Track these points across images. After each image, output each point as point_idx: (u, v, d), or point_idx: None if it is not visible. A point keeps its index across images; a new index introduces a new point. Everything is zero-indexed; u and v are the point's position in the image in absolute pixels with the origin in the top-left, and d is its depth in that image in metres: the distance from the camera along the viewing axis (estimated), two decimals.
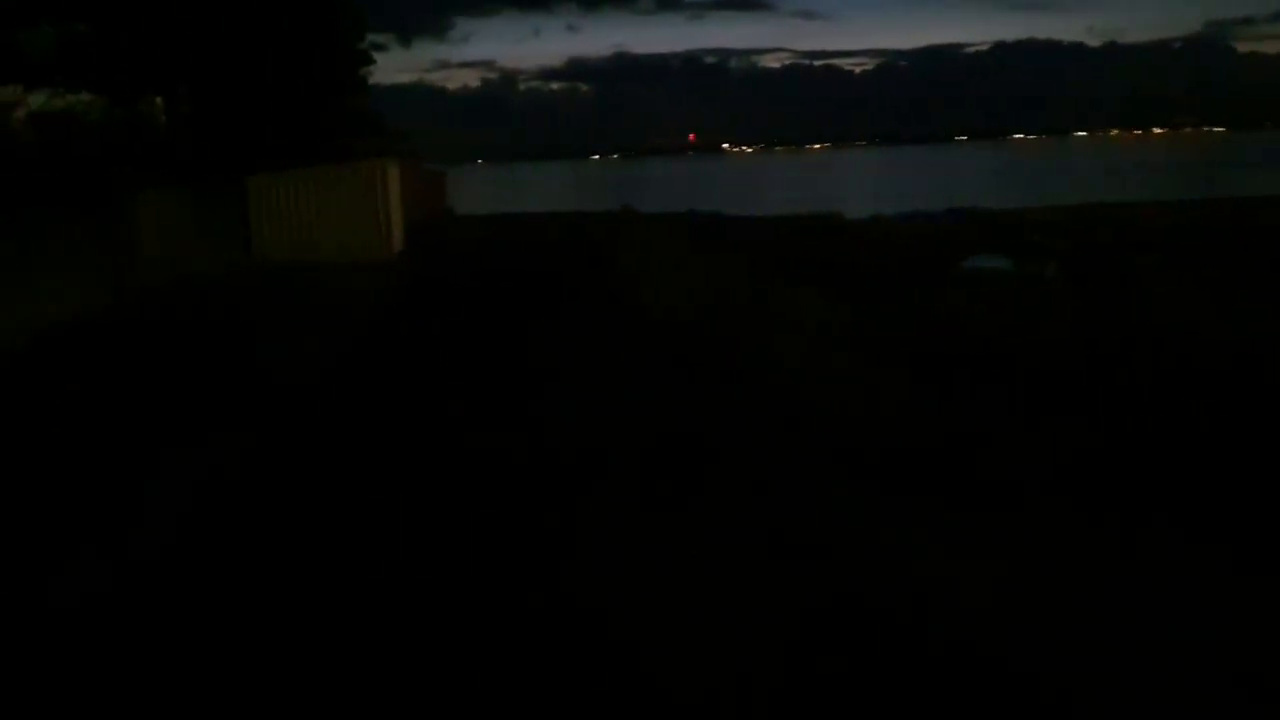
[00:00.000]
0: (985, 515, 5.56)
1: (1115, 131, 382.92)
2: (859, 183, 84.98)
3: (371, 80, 28.34)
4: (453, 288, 16.27)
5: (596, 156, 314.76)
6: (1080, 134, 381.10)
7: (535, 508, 5.83)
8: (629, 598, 4.54)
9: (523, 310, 13.38)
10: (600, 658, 3.98)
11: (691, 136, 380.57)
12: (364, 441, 7.55)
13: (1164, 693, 3.64)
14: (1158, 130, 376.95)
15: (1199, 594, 4.59)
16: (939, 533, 5.34)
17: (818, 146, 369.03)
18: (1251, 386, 7.89)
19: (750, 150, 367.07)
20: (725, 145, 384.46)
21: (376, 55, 27.23)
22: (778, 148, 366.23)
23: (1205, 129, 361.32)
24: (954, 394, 8.36)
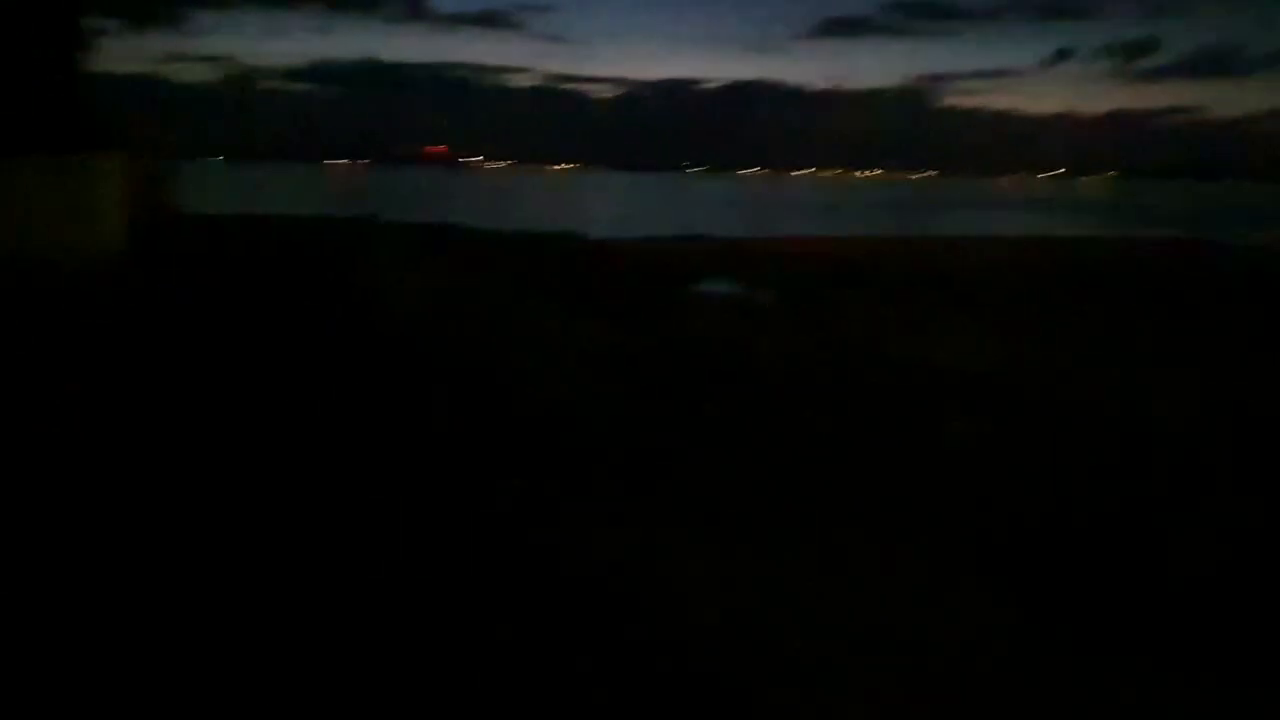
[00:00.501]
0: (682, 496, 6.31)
1: (835, 171, 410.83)
2: (601, 205, 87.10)
3: (97, 68, 26.50)
4: (174, 296, 15.59)
5: (343, 161, 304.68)
6: (803, 171, 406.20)
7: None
8: None
9: (247, 319, 13.12)
10: None
11: (442, 148, 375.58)
12: None
13: None
14: (872, 172, 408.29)
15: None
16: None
17: (562, 167, 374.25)
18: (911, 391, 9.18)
19: (497, 166, 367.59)
20: (472, 158, 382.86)
21: (102, 41, 25.47)
22: (524, 165, 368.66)
23: (913, 173, 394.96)
24: (678, 403, 9.17)
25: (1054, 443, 8.22)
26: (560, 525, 5.99)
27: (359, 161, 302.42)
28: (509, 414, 8.56)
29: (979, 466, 7.50)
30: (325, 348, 11.17)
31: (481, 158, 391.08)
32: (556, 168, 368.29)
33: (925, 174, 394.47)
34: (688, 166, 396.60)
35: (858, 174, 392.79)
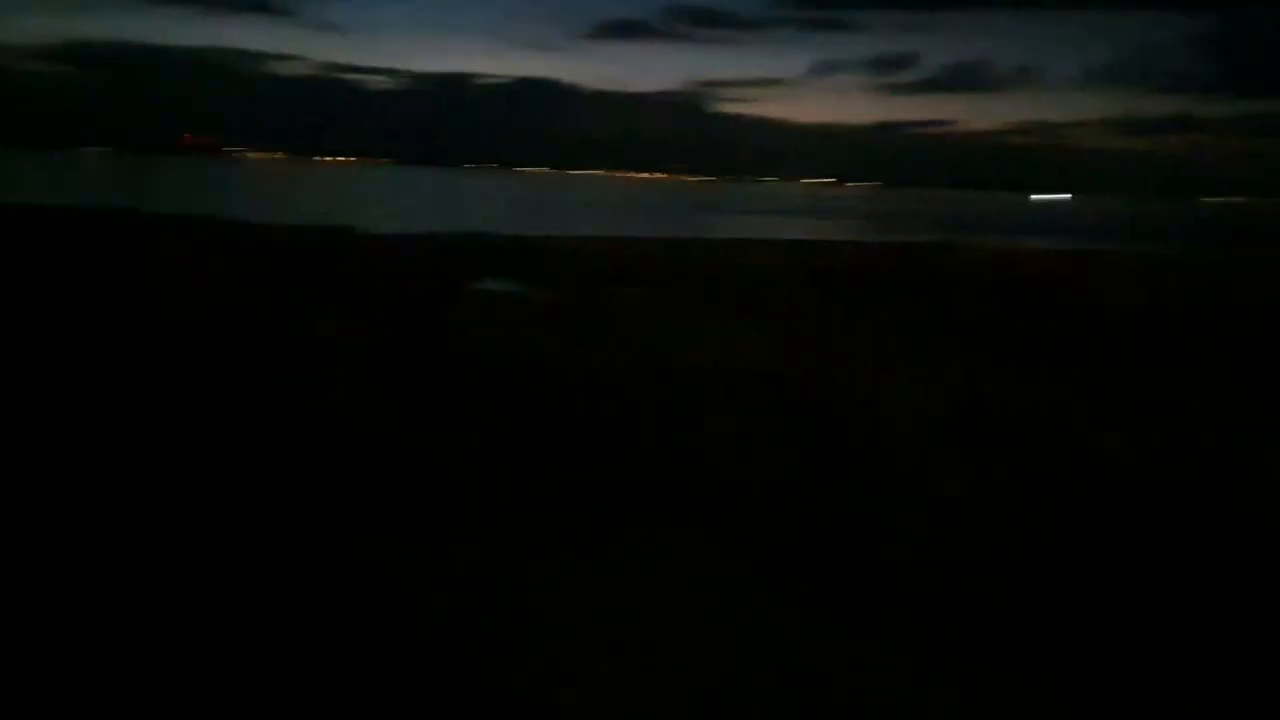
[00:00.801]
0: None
1: (615, 172, 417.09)
2: (377, 199, 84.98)
3: None
4: None
5: (99, 149, 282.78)
6: (583, 171, 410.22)
7: None
8: None
9: None
10: None
11: (208, 138, 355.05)
12: None
13: None
14: (651, 174, 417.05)
15: None
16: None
17: (337, 160, 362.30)
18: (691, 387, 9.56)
19: (267, 157, 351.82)
20: (240, 148, 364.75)
21: None
22: (296, 157, 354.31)
23: (690, 176, 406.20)
24: (448, 408, 9.17)
25: (810, 431, 8.75)
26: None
27: (116, 149, 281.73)
28: (244, 425, 8.28)
29: (740, 455, 7.90)
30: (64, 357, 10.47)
31: (248, 148, 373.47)
32: (331, 160, 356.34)
33: (701, 177, 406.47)
34: (469, 162, 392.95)
35: (638, 175, 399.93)
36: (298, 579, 5.20)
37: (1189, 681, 4.67)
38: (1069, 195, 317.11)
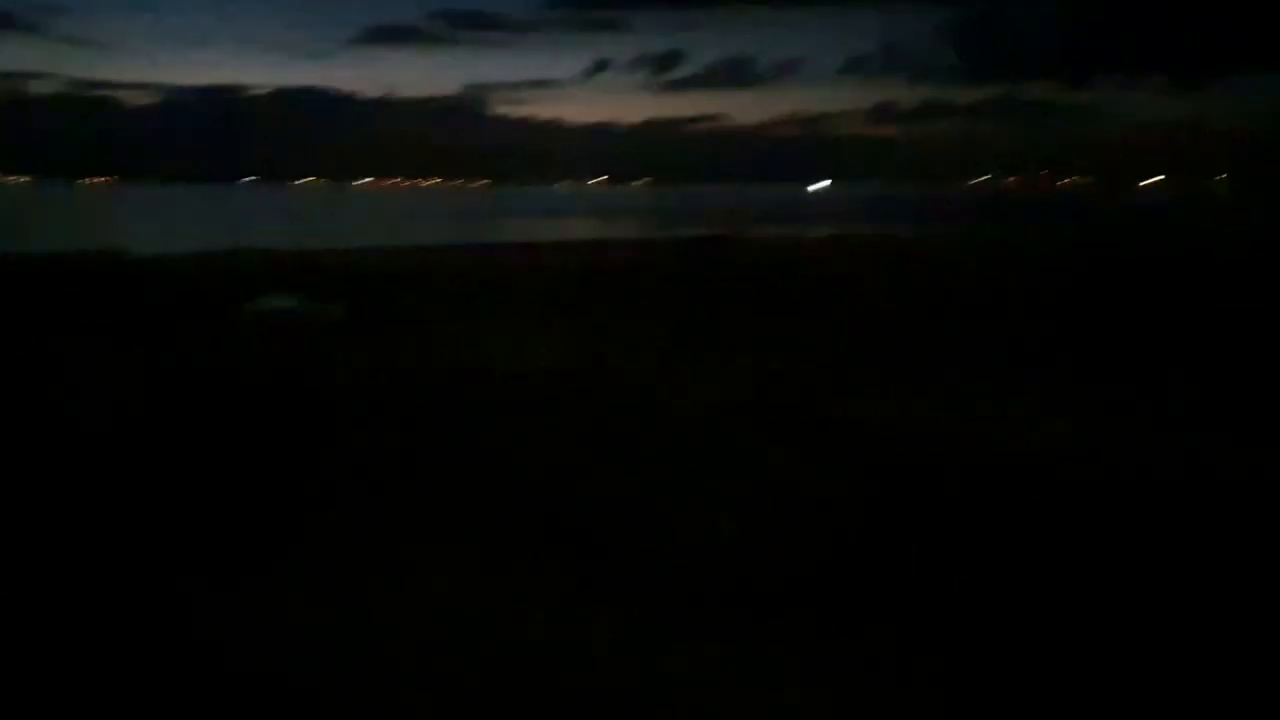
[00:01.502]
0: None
1: (394, 180, 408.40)
2: (144, 219, 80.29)
3: None
4: None
5: None
6: (362, 181, 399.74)
7: None
8: None
9: None
10: None
11: None
12: None
13: None
14: (429, 180, 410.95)
15: None
16: None
17: (95, 181, 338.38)
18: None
19: (14, 180, 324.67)
20: None
21: None
22: (47, 180, 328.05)
23: (469, 181, 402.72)
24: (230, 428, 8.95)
25: (598, 424, 9.05)
26: None
27: None
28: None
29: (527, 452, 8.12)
30: None
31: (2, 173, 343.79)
32: (88, 181, 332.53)
33: (480, 182, 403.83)
34: (239, 177, 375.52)
35: (418, 183, 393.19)
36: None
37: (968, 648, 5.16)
38: (836, 183, 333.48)
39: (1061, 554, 6.06)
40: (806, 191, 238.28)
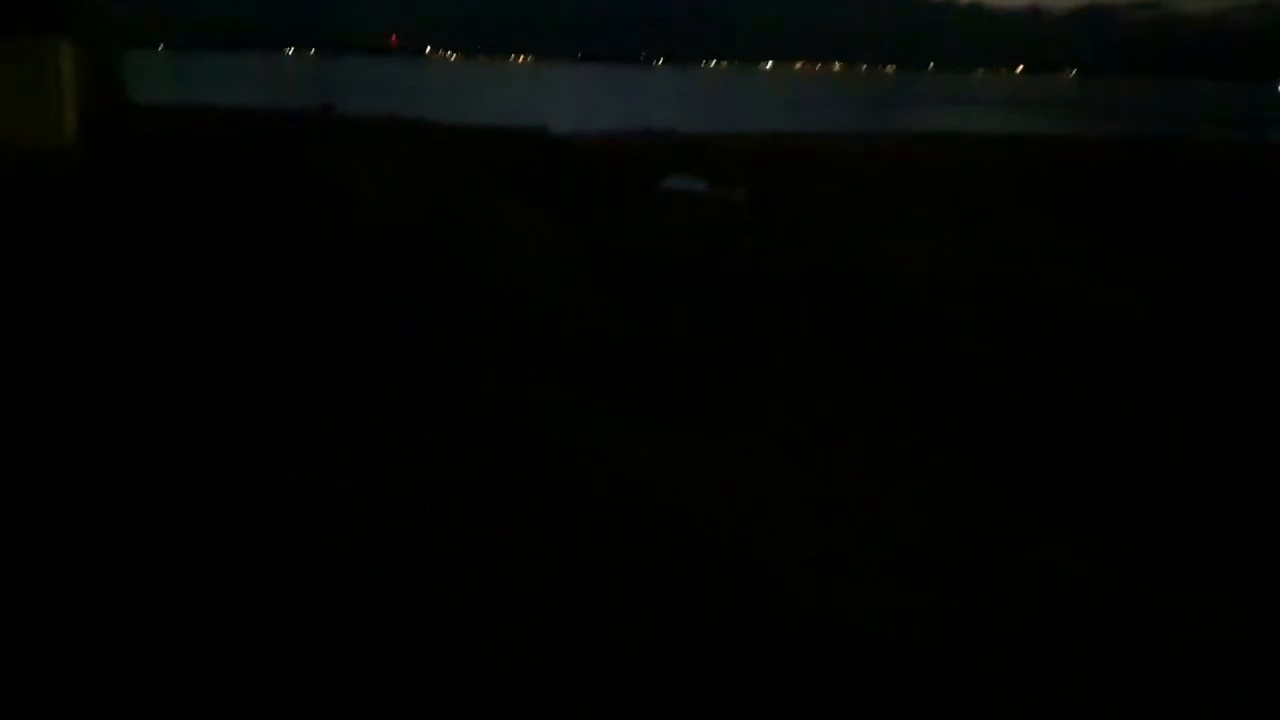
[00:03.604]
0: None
1: (800, 64, 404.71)
2: (561, 98, 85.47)
3: None
4: (134, 198, 15.03)
5: (291, 50, 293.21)
6: (772, 64, 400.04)
7: None
8: None
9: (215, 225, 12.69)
10: None
11: (394, 37, 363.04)
12: None
13: None
14: (846, 66, 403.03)
15: None
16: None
17: (522, 59, 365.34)
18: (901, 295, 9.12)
19: (454, 57, 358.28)
20: (428, 49, 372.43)
21: None
22: (487, 57, 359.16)
23: (881, 67, 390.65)
24: (656, 309, 9.04)
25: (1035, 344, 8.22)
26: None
27: (311, 51, 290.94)
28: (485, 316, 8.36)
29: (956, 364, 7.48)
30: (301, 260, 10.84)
31: (439, 49, 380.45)
32: (518, 59, 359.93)
33: (889, 68, 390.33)
34: (652, 59, 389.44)
35: (830, 67, 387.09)
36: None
37: None
38: None
39: None
40: (1278, 91, 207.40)
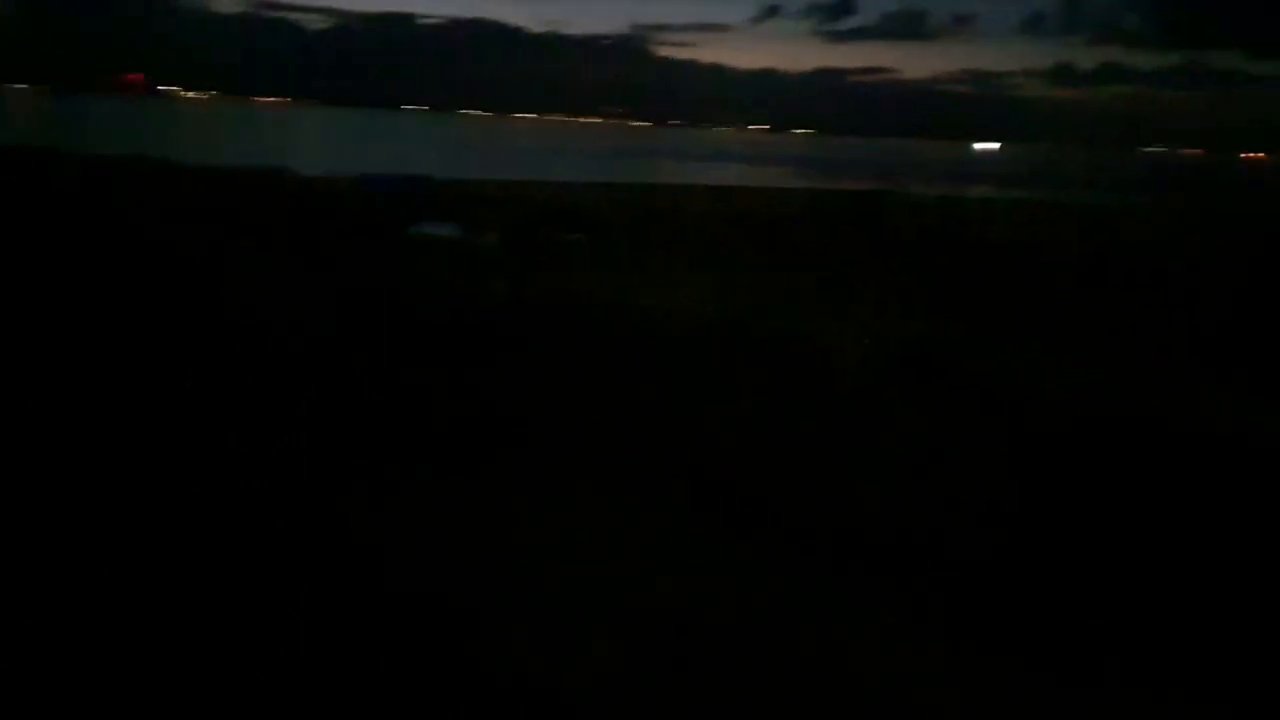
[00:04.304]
0: None
1: (554, 116, 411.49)
2: (313, 140, 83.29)
3: None
4: None
5: (19, 86, 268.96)
6: (524, 115, 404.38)
7: None
8: None
9: None
10: None
11: (137, 76, 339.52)
12: None
13: None
14: (594, 119, 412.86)
15: None
16: None
17: (270, 100, 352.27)
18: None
19: (201, 97, 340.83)
20: (170, 87, 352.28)
21: None
22: (227, 98, 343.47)
23: (633, 121, 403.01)
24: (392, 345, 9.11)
25: (759, 375, 8.85)
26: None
27: (38, 87, 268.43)
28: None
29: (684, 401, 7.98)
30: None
31: (181, 87, 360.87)
32: (264, 100, 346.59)
33: (644, 123, 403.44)
34: (407, 104, 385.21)
35: (579, 120, 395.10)
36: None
37: None
38: (1006, 144, 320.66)
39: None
40: (982, 150, 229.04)
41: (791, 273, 15.94)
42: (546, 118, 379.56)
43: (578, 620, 4.45)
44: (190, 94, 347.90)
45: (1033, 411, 8.13)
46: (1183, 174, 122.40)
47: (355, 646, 3.99)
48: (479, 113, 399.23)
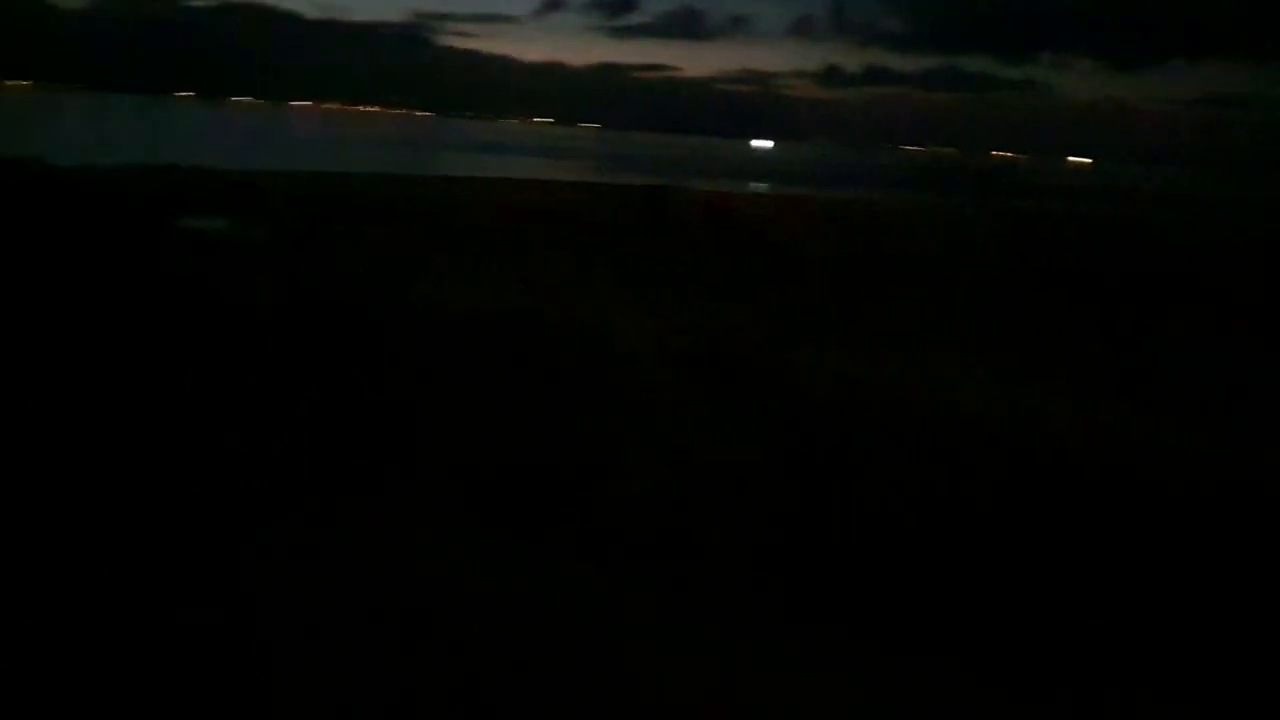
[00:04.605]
0: None
1: (338, 104, 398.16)
2: (71, 128, 77.42)
3: None
4: None
5: None
6: (303, 103, 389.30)
7: None
8: None
9: None
10: None
11: None
12: None
13: None
14: (377, 108, 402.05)
15: None
16: None
17: (19, 84, 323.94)
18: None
19: None
20: None
21: None
22: None
23: (417, 111, 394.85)
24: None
25: (547, 367, 8.92)
26: None
27: None
28: None
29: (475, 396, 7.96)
30: None
31: None
32: (13, 85, 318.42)
33: (428, 113, 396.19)
34: (178, 91, 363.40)
35: (361, 109, 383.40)
36: None
37: None
38: (780, 142, 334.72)
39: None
40: (751, 148, 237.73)
41: (579, 267, 16.11)
42: (324, 107, 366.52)
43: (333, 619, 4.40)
44: None
45: (808, 401, 8.55)
46: (940, 172, 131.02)
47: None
48: (252, 100, 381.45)
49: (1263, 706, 4.40)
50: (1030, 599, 5.07)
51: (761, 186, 60.89)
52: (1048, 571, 5.38)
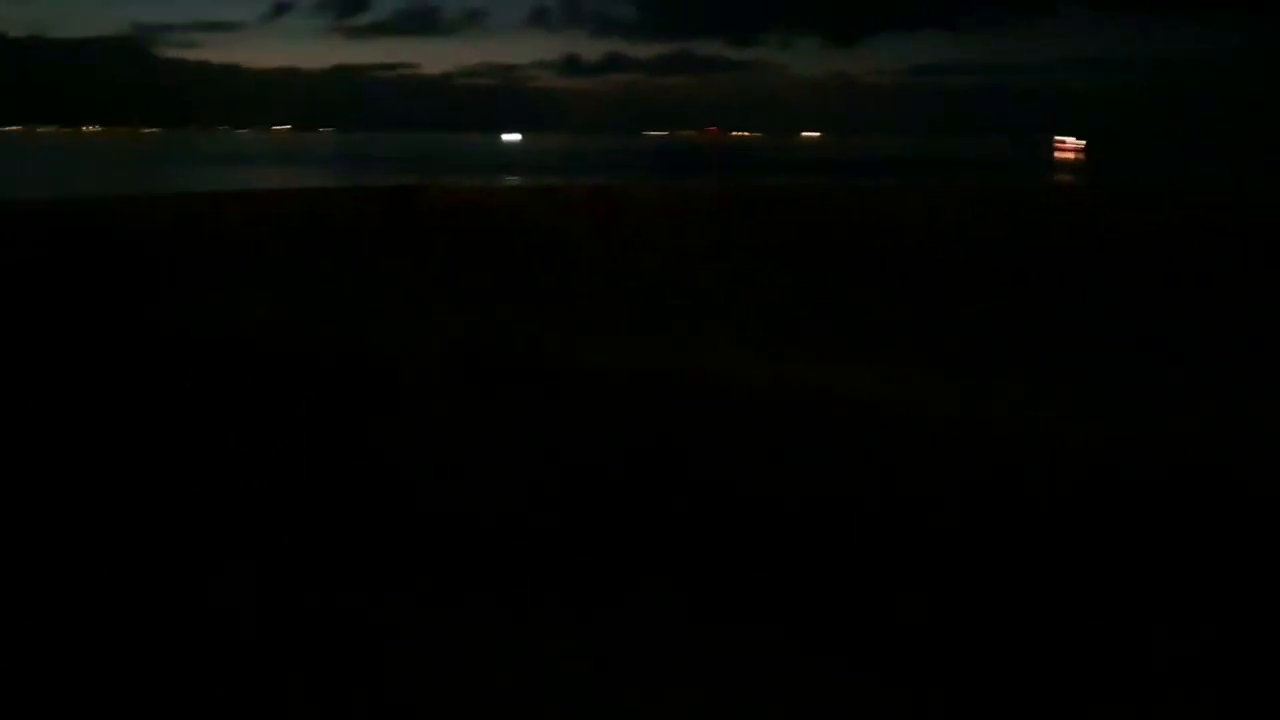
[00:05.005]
0: None
1: (47, 128, 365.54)
2: None
3: None
4: None
5: None
6: (9, 129, 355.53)
7: None
8: None
9: None
10: None
11: None
12: None
13: None
14: (102, 127, 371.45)
15: None
16: None
17: None
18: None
19: None
20: None
21: None
22: None
23: (145, 127, 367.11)
24: None
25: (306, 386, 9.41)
26: None
27: None
28: None
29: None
30: None
31: None
32: None
33: (158, 129, 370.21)
34: None
35: (85, 130, 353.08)
36: None
37: None
38: (528, 134, 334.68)
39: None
40: (501, 141, 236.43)
41: (335, 275, 15.91)
42: (38, 130, 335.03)
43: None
44: None
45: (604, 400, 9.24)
46: (682, 155, 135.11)
47: None
48: None
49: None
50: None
51: (514, 179, 61.37)
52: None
